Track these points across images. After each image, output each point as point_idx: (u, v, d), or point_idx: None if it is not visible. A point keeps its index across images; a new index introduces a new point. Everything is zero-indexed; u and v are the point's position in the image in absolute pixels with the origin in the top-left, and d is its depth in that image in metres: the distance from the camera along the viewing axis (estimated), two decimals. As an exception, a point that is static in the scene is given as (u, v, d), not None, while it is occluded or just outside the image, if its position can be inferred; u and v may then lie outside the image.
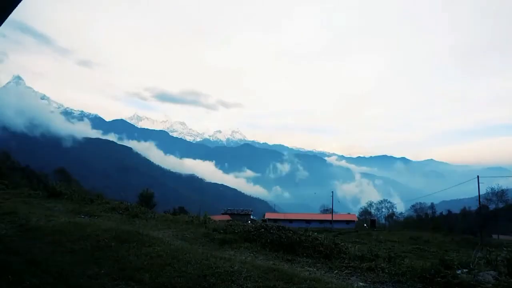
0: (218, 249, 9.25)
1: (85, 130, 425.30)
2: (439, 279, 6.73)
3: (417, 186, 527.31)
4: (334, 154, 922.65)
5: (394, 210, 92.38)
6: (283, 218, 78.82)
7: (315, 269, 7.82)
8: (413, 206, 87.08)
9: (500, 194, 66.80)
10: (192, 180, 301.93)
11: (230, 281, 5.90)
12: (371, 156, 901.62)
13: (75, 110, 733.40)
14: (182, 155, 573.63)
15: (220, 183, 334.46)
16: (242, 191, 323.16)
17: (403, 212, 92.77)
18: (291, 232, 10.46)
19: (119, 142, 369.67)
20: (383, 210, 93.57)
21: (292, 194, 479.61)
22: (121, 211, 15.86)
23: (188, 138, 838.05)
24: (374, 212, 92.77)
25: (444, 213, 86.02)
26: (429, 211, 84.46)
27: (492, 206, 68.52)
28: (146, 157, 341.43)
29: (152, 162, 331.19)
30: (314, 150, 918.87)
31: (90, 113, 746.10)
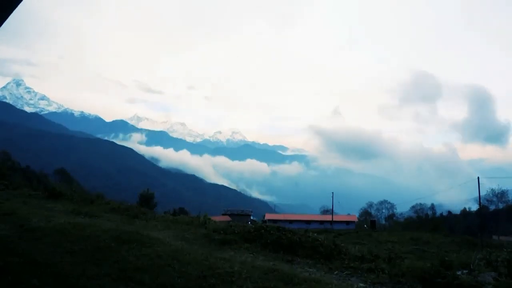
0: (218, 250, 9.25)
1: (85, 131, 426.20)
2: (439, 280, 6.74)
3: (417, 187, 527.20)
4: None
5: (394, 210, 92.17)
6: (283, 218, 78.61)
7: (315, 270, 7.82)
8: (413, 206, 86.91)
9: (500, 195, 66.76)
10: (192, 181, 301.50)
11: (230, 281, 5.90)
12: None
13: (75, 111, 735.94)
14: (182, 156, 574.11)
15: (220, 183, 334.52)
16: (242, 192, 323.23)
17: (403, 212, 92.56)
18: (291, 233, 10.47)
19: (119, 143, 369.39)
20: (383, 210, 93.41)
21: (292, 195, 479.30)
22: (121, 212, 15.91)
23: (188, 139, 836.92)
24: (374, 213, 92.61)
25: (444, 213, 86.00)
26: (429, 212, 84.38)
27: (492, 207, 68.53)
28: (146, 157, 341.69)
29: (153, 163, 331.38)
30: (314, 151, 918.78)
31: (90, 114, 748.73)
